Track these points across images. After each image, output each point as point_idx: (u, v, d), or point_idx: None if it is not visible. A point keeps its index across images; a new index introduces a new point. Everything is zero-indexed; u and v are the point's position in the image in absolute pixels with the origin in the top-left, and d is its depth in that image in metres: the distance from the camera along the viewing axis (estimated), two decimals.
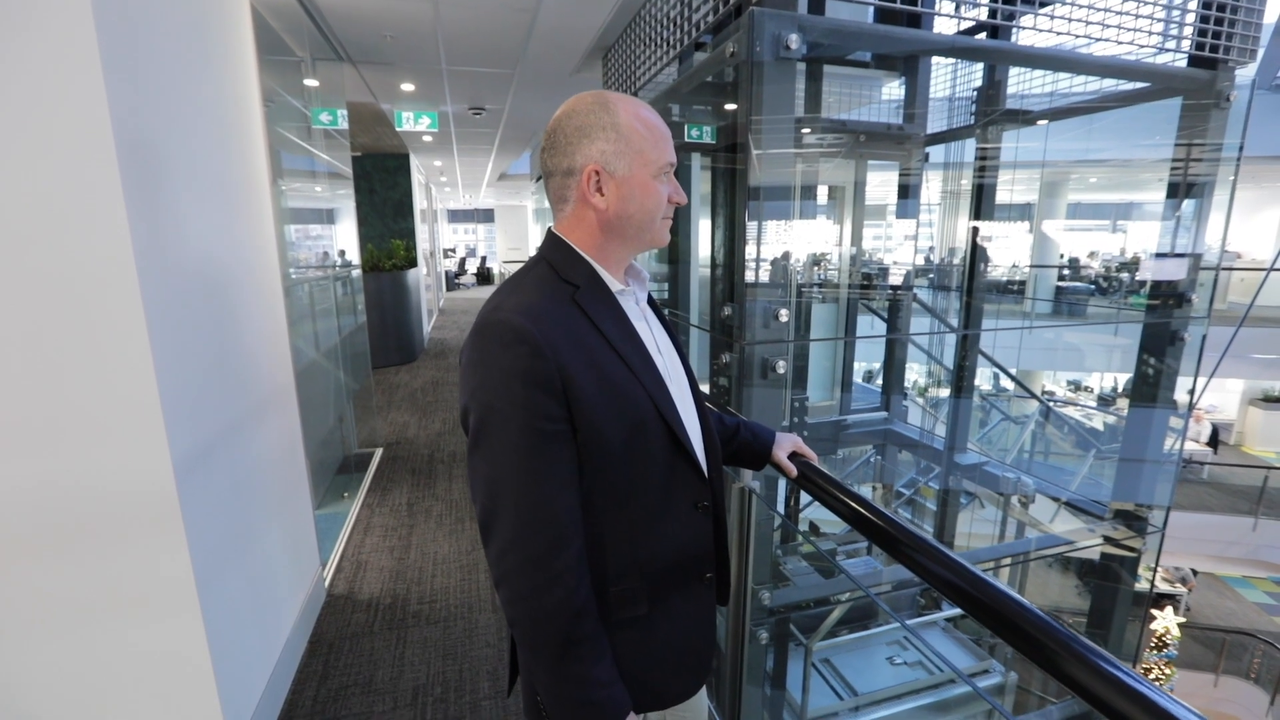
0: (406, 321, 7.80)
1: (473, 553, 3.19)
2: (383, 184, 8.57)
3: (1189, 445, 11.77)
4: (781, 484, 3.34)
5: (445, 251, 19.69)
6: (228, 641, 1.73)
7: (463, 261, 20.75)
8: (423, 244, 10.31)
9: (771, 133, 2.16)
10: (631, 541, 0.91)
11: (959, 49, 3.02)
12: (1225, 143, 3.15)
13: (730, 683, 1.64)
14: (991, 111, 3.88)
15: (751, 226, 2.16)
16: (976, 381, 5.21)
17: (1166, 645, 7.95)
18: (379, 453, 4.64)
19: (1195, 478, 10.12)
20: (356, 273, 5.46)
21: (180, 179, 1.66)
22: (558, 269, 0.91)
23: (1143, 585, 5.13)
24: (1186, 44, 2.91)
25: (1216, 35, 2.85)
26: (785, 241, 2.31)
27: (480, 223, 26.33)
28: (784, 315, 1.98)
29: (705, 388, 2.81)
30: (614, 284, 0.93)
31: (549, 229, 0.98)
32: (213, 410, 1.76)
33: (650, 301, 1.04)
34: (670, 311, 3.69)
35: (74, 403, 1.39)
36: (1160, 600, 9.02)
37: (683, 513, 0.95)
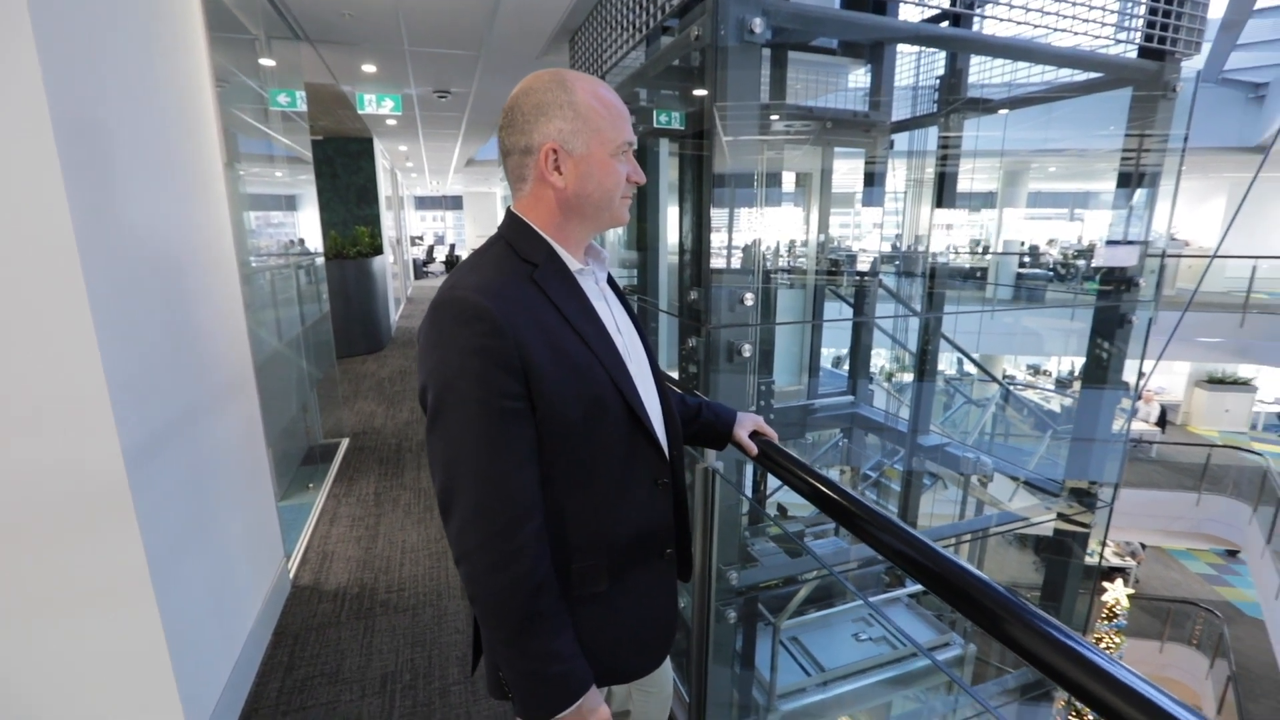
0: (373, 310, 7.65)
1: (442, 540, 3.17)
2: (345, 169, 8.35)
3: (1140, 425, 12.30)
4: (750, 468, 3.39)
5: (413, 239, 19.31)
6: (186, 634, 1.69)
7: (431, 249, 20.40)
8: (389, 231, 10.10)
9: (737, 118, 2.17)
10: (592, 518, 0.92)
11: (922, 36, 3.05)
12: (1171, 133, 3.27)
13: (697, 661, 1.67)
14: (954, 100, 3.95)
15: (717, 212, 2.17)
16: (940, 366, 5.35)
17: (1116, 615, 8.34)
18: (345, 443, 4.57)
19: (1144, 456, 10.57)
20: (320, 260, 5.33)
21: (125, 160, 1.60)
22: (516, 248, 0.91)
23: (1093, 559, 5.37)
24: (1136, 36, 3.00)
25: (1164, 28, 2.95)
26: (752, 227, 2.33)
27: (448, 210, 25.87)
28: (749, 299, 2.00)
29: (674, 373, 2.83)
30: (573, 263, 0.93)
31: (508, 208, 0.97)
32: (165, 398, 1.71)
33: (610, 281, 1.04)
34: (639, 297, 3.69)
35: (15, 390, 1.33)
36: (1111, 573, 9.44)
37: (643, 489, 0.96)
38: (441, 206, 25.88)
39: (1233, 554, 10.85)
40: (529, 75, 0.91)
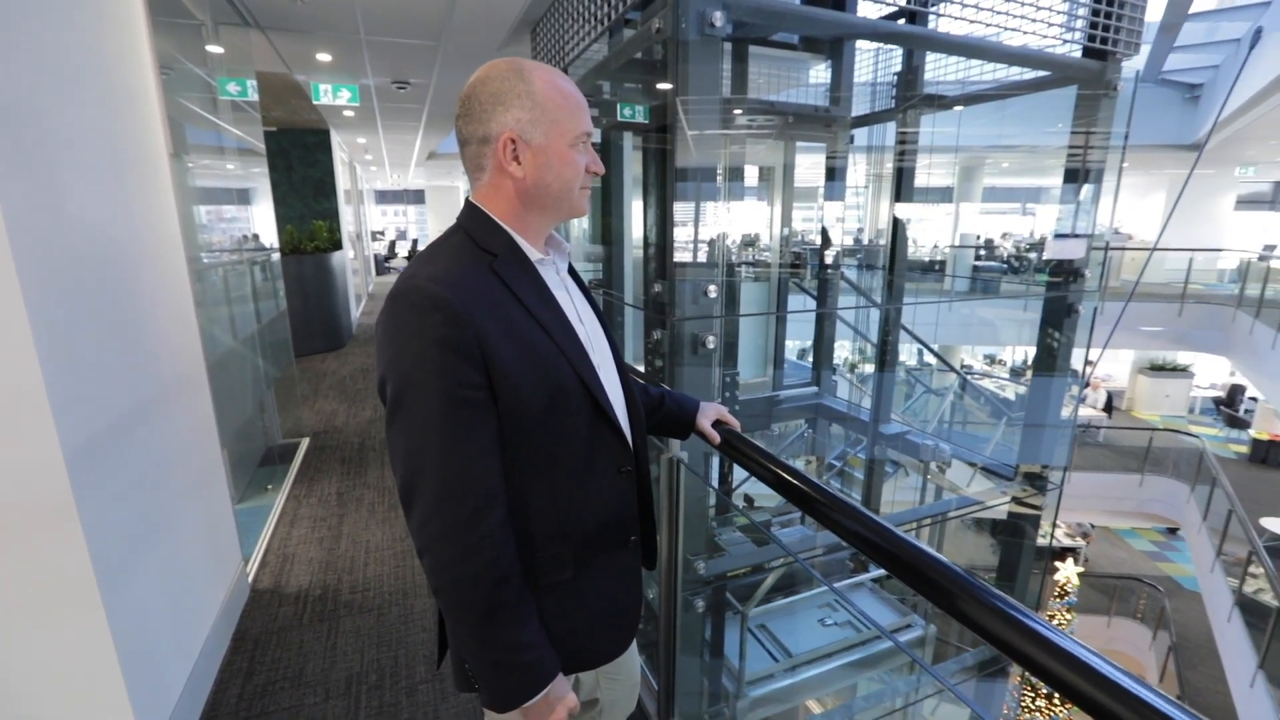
0: (332, 306, 7.45)
1: (407, 538, 3.12)
2: (301, 161, 8.10)
3: (1088, 411, 12.85)
4: (716, 460, 3.43)
5: (373, 234, 18.87)
6: (138, 642, 1.64)
7: (392, 244, 19.96)
8: (348, 226, 9.84)
9: (700, 112, 2.18)
10: (556, 506, 0.92)
11: (880, 33, 3.11)
12: (1113, 130, 3.41)
13: (665, 649, 1.69)
14: (911, 96, 4.05)
15: (681, 206, 2.18)
16: (901, 356, 5.48)
17: (1067, 593, 8.71)
18: (305, 443, 4.45)
19: (1092, 441, 11.05)
20: (275, 256, 5.17)
21: (60, 149, 1.52)
22: (475, 238, 0.90)
23: (1046, 540, 5.59)
24: (1080, 36, 3.11)
25: (1106, 29, 3.07)
26: (716, 221, 2.35)
27: (410, 204, 25.33)
28: (712, 291, 2.02)
29: (640, 366, 2.84)
30: (533, 253, 0.93)
31: (466, 198, 0.96)
32: (110, 398, 1.64)
33: (572, 271, 1.04)
34: (605, 291, 3.69)
35: None
36: (1063, 553, 9.85)
37: (606, 478, 0.96)
38: (403, 201, 25.33)
39: (1173, 531, 11.44)
40: (486, 64, 0.90)
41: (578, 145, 0.91)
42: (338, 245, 7.68)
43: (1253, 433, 11.91)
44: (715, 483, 3.65)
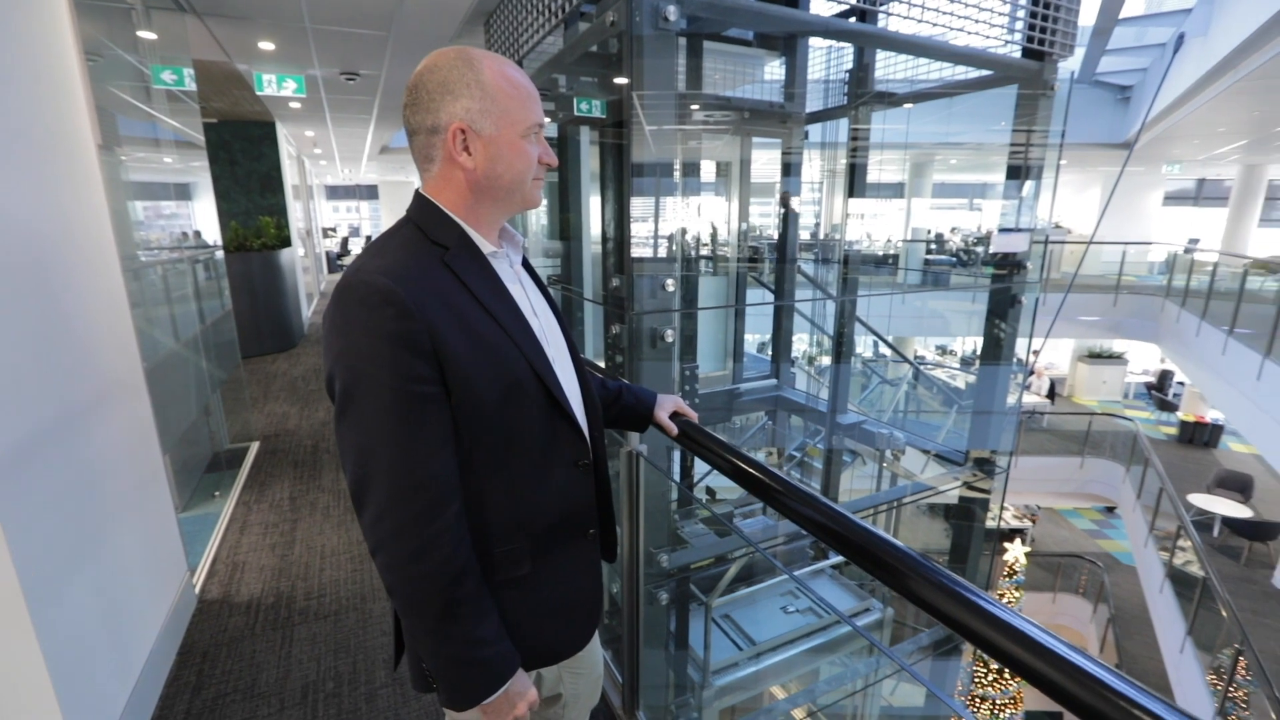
0: (282, 306, 7.19)
1: (364, 542, 3.05)
2: (245, 155, 7.77)
3: (1032, 398, 13.44)
4: (678, 453, 3.45)
5: (325, 231, 18.28)
6: (73, 660, 1.55)
7: (345, 241, 19.39)
8: (297, 222, 9.51)
9: (656, 107, 2.18)
10: (513, 501, 0.91)
11: (831, 30, 3.17)
12: (1051, 129, 3.56)
13: (628, 643, 1.70)
14: (862, 93, 4.14)
15: (638, 201, 2.18)
16: (857, 349, 5.61)
17: (1016, 572, 9.11)
18: (255, 447, 4.29)
19: (1037, 426, 11.57)
20: (220, 254, 4.95)
21: None
22: (426, 231, 0.88)
23: (994, 522, 5.82)
24: (1019, 36, 3.24)
25: (1043, 30, 3.20)
26: (674, 216, 2.36)
27: (363, 200, 24.61)
28: (670, 285, 2.03)
29: (600, 361, 2.84)
30: (486, 246, 0.92)
31: (416, 190, 0.94)
32: (32, 404, 1.54)
33: (526, 264, 1.03)
34: (564, 287, 3.67)
35: None
36: (1011, 534, 10.29)
37: (563, 471, 0.96)
38: (355, 196, 24.59)
39: (1111, 510, 12.08)
40: (433, 52, 0.88)
41: (529, 136, 0.90)
42: (286, 242, 7.40)
43: (1180, 415, 12.66)
44: (677, 476, 3.68)
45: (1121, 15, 7.84)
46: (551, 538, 0.96)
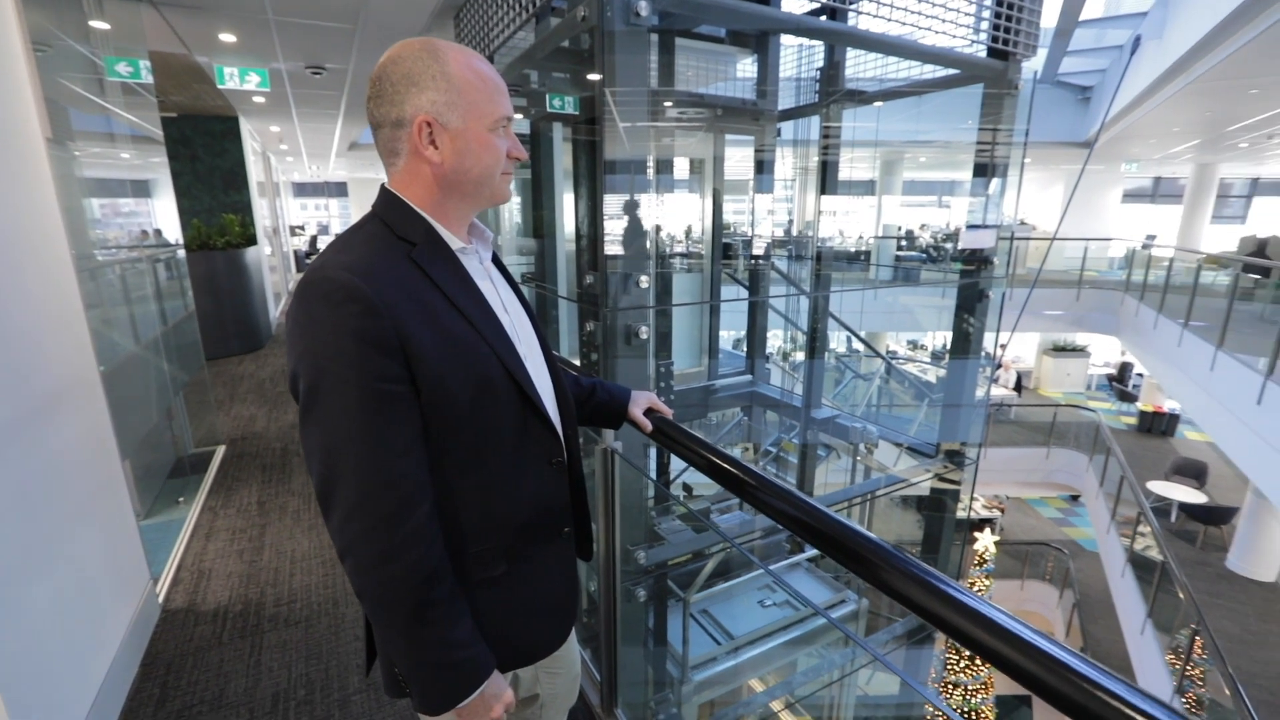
0: (248, 306, 7.01)
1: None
2: (208, 150, 7.55)
3: (1000, 391, 13.78)
4: (654, 450, 3.45)
5: (293, 229, 17.87)
6: (28, 675, 1.49)
7: (314, 240, 18.97)
8: (263, 220, 9.28)
9: (628, 103, 2.17)
10: (486, 500, 0.90)
11: (803, 28, 3.19)
12: (1015, 127, 3.65)
13: (606, 641, 1.69)
14: (833, 92, 4.18)
15: (611, 198, 2.17)
16: (831, 344, 5.67)
17: (986, 561, 9.34)
18: (220, 451, 4.17)
19: (1005, 418, 11.86)
20: (181, 253, 4.80)
21: None
22: (392, 226, 0.86)
23: (965, 512, 5.93)
24: (985, 37, 3.31)
25: (1007, 30, 3.27)
26: (647, 213, 2.35)
27: (332, 197, 24.11)
28: (644, 281, 2.02)
29: (575, 359, 2.82)
30: (455, 241, 0.90)
31: (382, 185, 0.92)
32: None
33: (496, 261, 1.02)
34: (538, 285, 3.64)
35: None
36: (981, 524, 10.54)
37: (537, 469, 0.95)
38: (324, 194, 24.06)
39: (1075, 498, 12.46)
40: (397, 43, 0.86)
41: (497, 130, 0.88)
42: (252, 240, 7.21)
43: (1140, 405, 13.11)
44: (654, 472, 3.68)
45: (1082, 17, 8.06)
46: (525, 537, 0.95)
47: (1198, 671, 5.94)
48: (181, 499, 3.48)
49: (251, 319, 7.09)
